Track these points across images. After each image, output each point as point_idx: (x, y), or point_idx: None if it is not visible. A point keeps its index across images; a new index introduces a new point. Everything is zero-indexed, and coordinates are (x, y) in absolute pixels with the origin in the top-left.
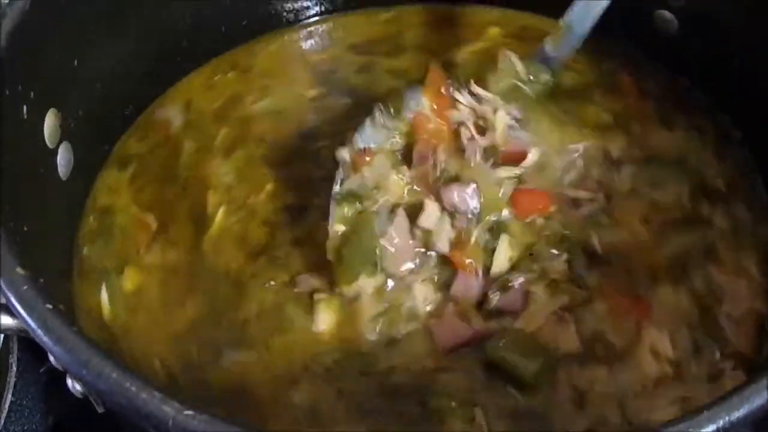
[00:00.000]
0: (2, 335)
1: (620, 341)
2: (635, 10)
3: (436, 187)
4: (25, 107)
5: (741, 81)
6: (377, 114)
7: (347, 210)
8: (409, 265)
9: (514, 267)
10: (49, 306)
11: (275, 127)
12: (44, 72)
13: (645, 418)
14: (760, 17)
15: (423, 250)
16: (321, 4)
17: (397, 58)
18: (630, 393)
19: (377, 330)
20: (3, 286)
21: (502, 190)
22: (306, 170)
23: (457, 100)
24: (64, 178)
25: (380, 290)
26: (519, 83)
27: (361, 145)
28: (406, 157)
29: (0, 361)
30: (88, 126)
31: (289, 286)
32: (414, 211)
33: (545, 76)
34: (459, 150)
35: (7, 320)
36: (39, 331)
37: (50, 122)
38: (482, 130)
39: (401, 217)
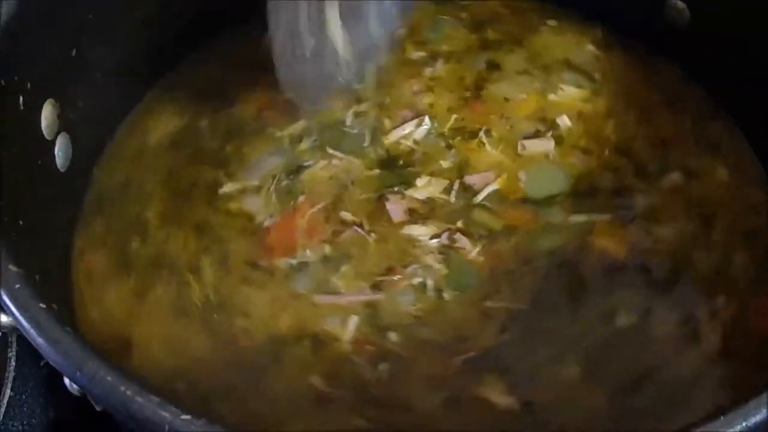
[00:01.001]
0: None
1: None
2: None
3: None
4: (21, 98)
5: (755, 81)
6: None
7: None
8: None
9: None
10: (43, 305)
11: None
12: (41, 62)
13: None
14: None
15: None
16: None
17: None
18: None
19: None
20: None
21: None
22: None
23: None
24: (62, 170)
25: None
26: None
27: None
28: None
29: None
30: (87, 117)
31: None
32: None
33: None
34: None
35: (4, 318)
36: (32, 332)
37: (48, 113)
38: None
39: None
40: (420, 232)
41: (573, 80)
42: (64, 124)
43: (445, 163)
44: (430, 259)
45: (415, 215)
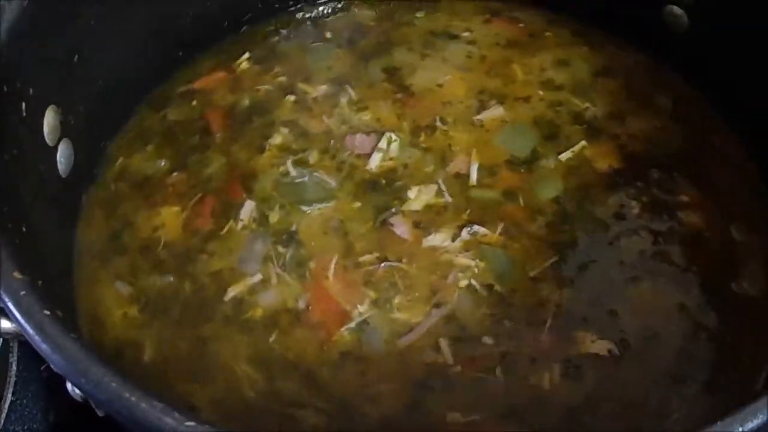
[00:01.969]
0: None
1: None
2: (643, 4)
3: None
4: (24, 104)
5: (753, 87)
6: None
7: None
8: None
9: None
10: (47, 312)
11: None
12: (44, 68)
13: None
14: None
15: None
16: None
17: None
18: None
19: None
20: (0, 291)
21: None
22: None
23: None
24: (64, 176)
25: None
26: None
27: None
28: None
29: (0, 361)
30: (89, 123)
31: None
32: None
33: None
34: None
35: (6, 324)
36: (36, 338)
37: (50, 119)
38: None
39: None
40: (439, 239)
41: (460, 48)
42: (66, 130)
43: (427, 167)
44: (463, 259)
45: (422, 225)
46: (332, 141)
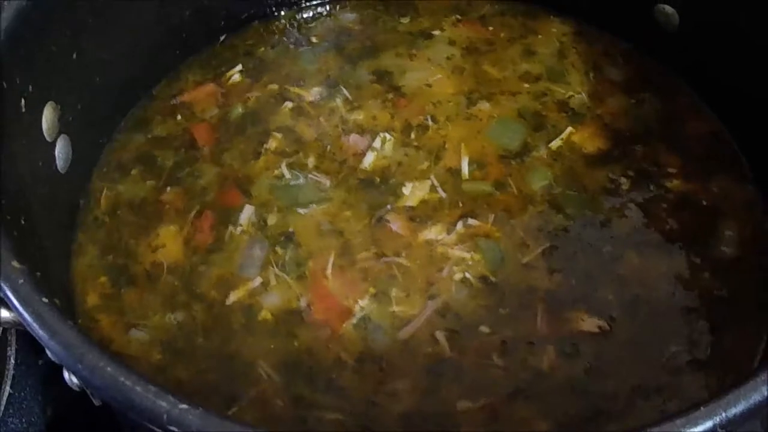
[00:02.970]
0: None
1: None
2: (634, 3)
3: None
4: (23, 101)
5: (744, 86)
6: None
7: None
8: None
9: None
10: (45, 300)
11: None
12: (42, 65)
13: None
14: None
15: None
16: None
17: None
18: None
19: None
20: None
21: None
22: None
23: None
24: (62, 172)
25: None
26: None
27: None
28: None
29: None
30: (87, 119)
31: None
32: None
33: None
34: None
35: (5, 314)
36: (34, 325)
37: (48, 115)
38: None
39: None
40: (434, 233)
41: (442, 49)
42: (64, 126)
43: (420, 164)
44: (458, 252)
45: (418, 220)
46: (327, 142)
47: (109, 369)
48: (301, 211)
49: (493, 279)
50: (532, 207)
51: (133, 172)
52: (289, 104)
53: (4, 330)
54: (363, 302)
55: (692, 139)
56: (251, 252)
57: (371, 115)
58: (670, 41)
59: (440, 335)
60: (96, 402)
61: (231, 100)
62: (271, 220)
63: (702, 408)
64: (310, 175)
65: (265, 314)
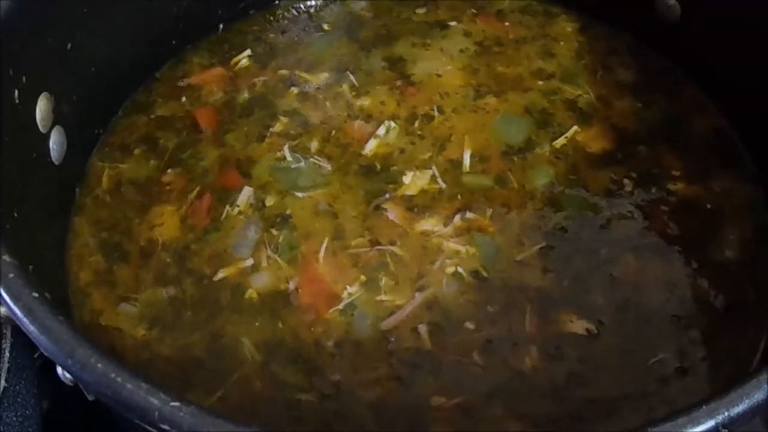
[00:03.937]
0: None
1: None
2: None
3: None
4: (16, 91)
5: (744, 77)
6: None
7: None
8: None
9: None
10: (36, 294)
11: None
12: (37, 56)
13: None
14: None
15: None
16: None
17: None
18: None
19: None
20: None
21: None
22: None
23: None
24: (57, 163)
25: None
26: None
27: None
28: None
29: None
30: (82, 110)
31: None
32: None
33: None
34: None
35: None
36: (24, 320)
37: (43, 106)
38: None
39: None
40: (431, 223)
41: (456, 41)
42: (58, 117)
43: (423, 154)
44: (453, 244)
45: (416, 210)
46: (332, 127)
47: (99, 365)
48: (299, 194)
49: (485, 274)
50: (532, 204)
51: (136, 151)
52: (296, 89)
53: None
54: (352, 289)
55: (696, 139)
56: (246, 233)
57: (379, 101)
58: (673, 33)
59: (422, 329)
60: (89, 397)
61: (238, 83)
62: (269, 201)
63: (704, 406)
64: (311, 159)
65: (251, 293)
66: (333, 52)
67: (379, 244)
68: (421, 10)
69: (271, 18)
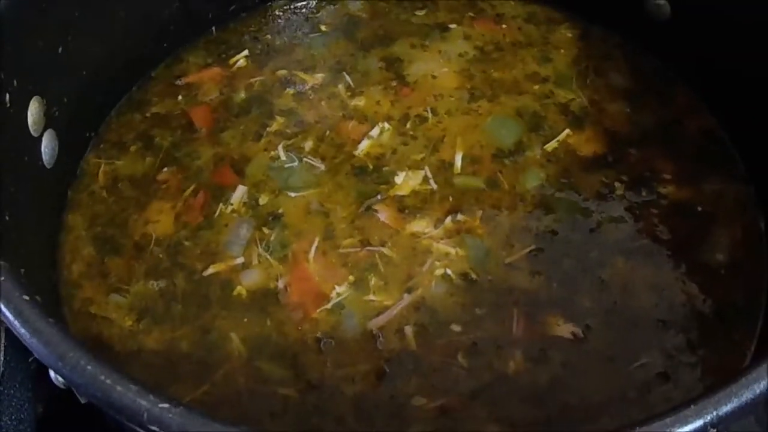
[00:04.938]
0: None
1: None
2: None
3: None
4: (8, 95)
5: (733, 75)
6: None
7: None
8: None
9: None
10: (26, 297)
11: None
12: (28, 59)
13: None
14: (759, 5)
15: None
16: None
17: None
18: None
19: None
20: None
21: None
22: None
23: None
24: (48, 167)
25: None
26: None
27: None
28: None
29: None
30: (74, 113)
31: None
32: None
33: None
34: None
35: None
36: (15, 323)
37: (34, 110)
38: None
39: None
40: (422, 225)
41: (454, 44)
42: (50, 121)
43: (415, 155)
44: (443, 246)
45: (407, 211)
46: (327, 127)
47: (89, 367)
48: (292, 194)
49: (473, 276)
50: (522, 206)
51: (132, 148)
52: (292, 89)
53: None
54: (340, 288)
55: (688, 141)
56: (239, 230)
57: (374, 101)
58: (664, 32)
59: (408, 329)
60: (82, 400)
61: (235, 83)
62: (263, 200)
63: (692, 406)
64: (305, 158)
65: (239, 290)
66: (330, 52)
67: (370, 244)
68: (420, 12)
69: (269, 18)
